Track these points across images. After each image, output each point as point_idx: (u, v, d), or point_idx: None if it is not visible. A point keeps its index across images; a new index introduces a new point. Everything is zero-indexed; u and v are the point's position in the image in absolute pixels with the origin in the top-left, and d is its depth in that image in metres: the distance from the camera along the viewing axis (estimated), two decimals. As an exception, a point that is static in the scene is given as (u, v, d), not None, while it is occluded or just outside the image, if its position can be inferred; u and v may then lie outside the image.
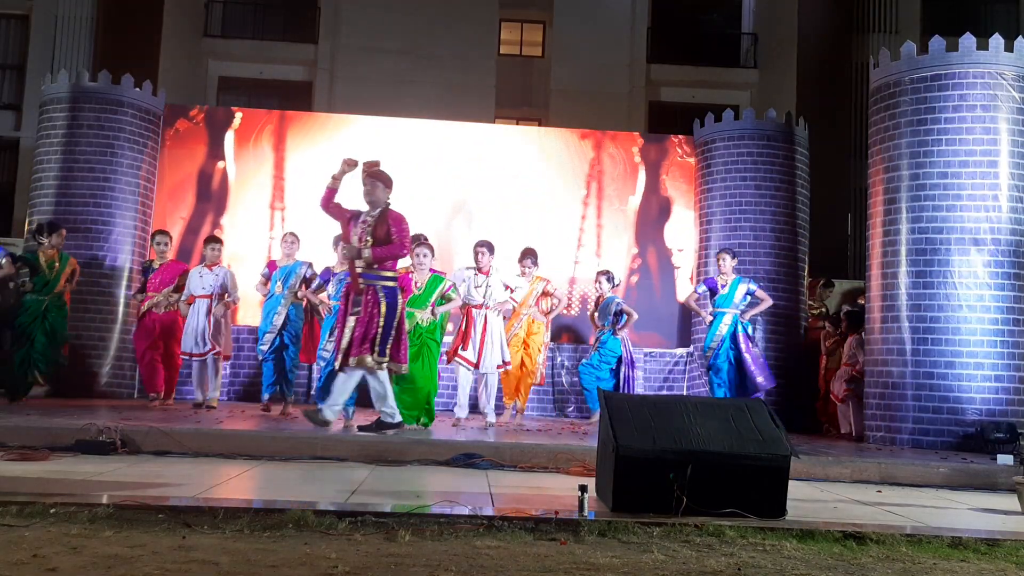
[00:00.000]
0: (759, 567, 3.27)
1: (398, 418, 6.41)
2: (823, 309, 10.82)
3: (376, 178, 6.35)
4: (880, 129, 8.47)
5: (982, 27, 11.48)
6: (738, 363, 8.28)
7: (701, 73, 16.97)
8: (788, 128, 10.27)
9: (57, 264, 8.44)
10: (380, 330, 6.22)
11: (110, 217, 9.80)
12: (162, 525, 3.50)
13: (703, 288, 8.67)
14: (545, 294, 8.59)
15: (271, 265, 8.49)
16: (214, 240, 8.75)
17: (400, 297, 6.42)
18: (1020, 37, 8.13)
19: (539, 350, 8.54)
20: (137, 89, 10.16)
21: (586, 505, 4.01)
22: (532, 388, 8.88)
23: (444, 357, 7.77)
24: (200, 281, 8.45)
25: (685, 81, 16.94)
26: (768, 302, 8.57)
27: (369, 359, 6.19)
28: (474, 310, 7.85)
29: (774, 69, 16.89)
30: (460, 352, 7.79)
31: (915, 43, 8.45)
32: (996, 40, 8.03)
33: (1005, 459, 6.43)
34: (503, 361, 7.91)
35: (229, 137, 10.69)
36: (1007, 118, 7.93)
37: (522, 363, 8.35)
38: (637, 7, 17.21)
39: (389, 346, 6.30)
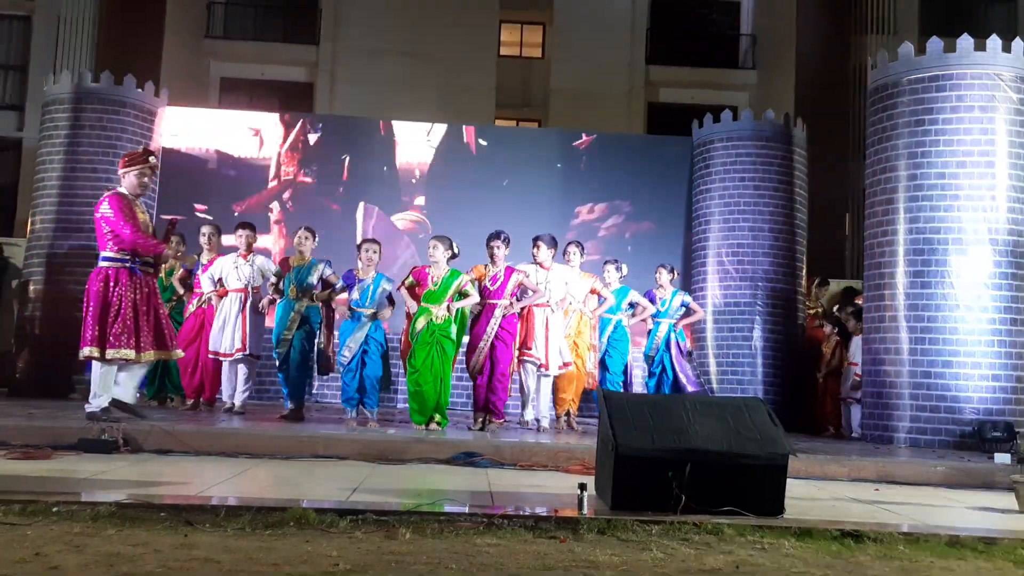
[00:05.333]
0: (757, 565, 3.29)
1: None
2: (819, 309, 10.87)
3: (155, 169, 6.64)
4: (878, 130, 8.49)
5: (980, 28, 11.47)
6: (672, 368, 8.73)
7: (700, 74, 16.97)
8: (786, 129, 10.29)
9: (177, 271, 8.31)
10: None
11: (111, 218, 9.80)
12: (164, 523, 3.51)
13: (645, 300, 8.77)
14: (592, 292, 8.12)
15: (283, 264, 7.74)
16: (246, 226, 7.99)
17: (99, 281, 6.13)
18: (1018, 38, 8.16)
19: (588, 350, 8.18)
20: (139, 90, 10.19)
21: (585, 503, 4.03)
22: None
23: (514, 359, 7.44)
24: (236, 272, 7.78)
25: (684, 82, 16.95)
26: (700, 313, 9.27)
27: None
28: (536, 309, 7.50)
29: (773, 70, 16.91)
30: (526, 351, 7.45)
31: (913, 44, 8.48)
32: (994, 41, 8.06)
33: (1002, 458, 6.45)
34: (564, 362, 7.61)
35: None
36: (1005, 119, 7.95)
37: (575, 366, 7.95)
38: (637, 8, 17.23)
39: (92, 334, 6.10)
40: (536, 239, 7.72)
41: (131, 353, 6.05)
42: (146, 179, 6.30)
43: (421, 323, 6.96)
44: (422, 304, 7.01)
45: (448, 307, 6.95)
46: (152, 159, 6.38)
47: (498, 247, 7.27)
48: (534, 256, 7.63)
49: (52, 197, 9.84)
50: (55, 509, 3.59)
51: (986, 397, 7.65)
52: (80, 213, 9.74)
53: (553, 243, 7.70)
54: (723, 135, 10.32)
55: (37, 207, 9.98)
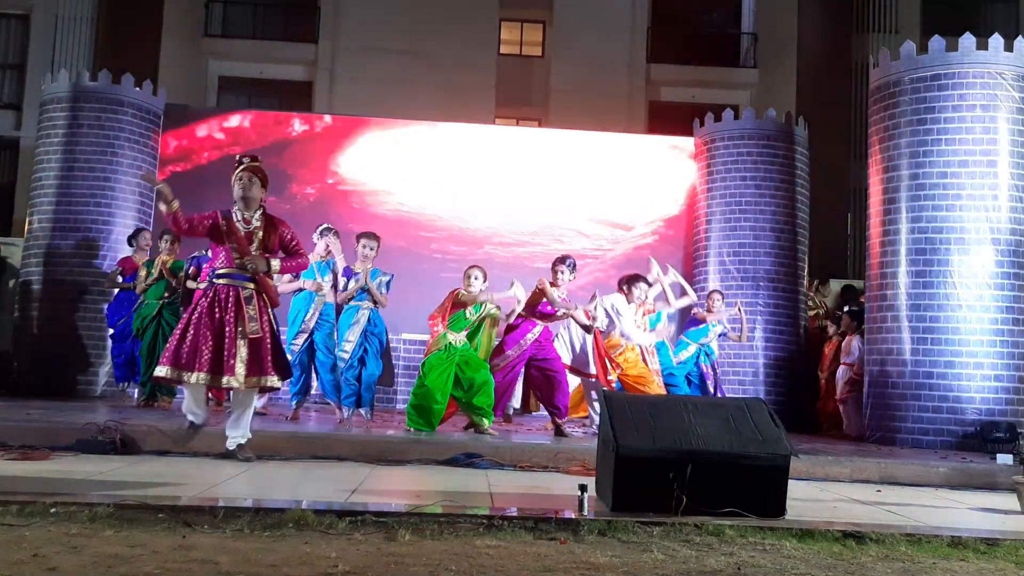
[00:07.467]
0: (759, 566, 3.27)
1: None
2: (820, 309, 10.86)
3: (255, 173, 5.63)
4: (880, 129, 8.48)
5: (982, 27, 11.49)
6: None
7: (701, 73, 16.95)
8: (788, 128, 10.28)
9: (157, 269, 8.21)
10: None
11: (110, 217, 9.81)
12: (162, 524, 3.49)
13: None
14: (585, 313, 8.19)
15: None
16: None
17: None
18: (1020, 37, 8.15)
19: None
20: (137, 89, 10.17)
21: (586, 504, 4.01)
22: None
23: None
24: None
25: (685, 81, 16.93)
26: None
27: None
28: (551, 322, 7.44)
29: (774, 69, 16.89)
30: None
31: (915, 43, 8.47)
32: (996, 40, 8.04)
33: (1004, 458, 6.44)
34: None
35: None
36: (1007, 118, 7.94)
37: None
38: (637, 7, 17.20)
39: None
40: (556, 262, 7.37)
41: (163, 370, 5.21)
42: (241, 184, 5.61)
43: (450, 338, 6.82)
44: (447, 329, 6.86)
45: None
46: (247, 160, 5.73)
47: (562, 271, 7.17)
48: (556, 275, 7.27)
49: (50, 197, 9.82)
50: (53, 510, 3.57)
51: (988, 398, 7.64)
52: (78, 212, 9.73)
53: (574, 266, 7.43)
54: (725, 134, 10.31)
55: (35, 207, 9.96)
